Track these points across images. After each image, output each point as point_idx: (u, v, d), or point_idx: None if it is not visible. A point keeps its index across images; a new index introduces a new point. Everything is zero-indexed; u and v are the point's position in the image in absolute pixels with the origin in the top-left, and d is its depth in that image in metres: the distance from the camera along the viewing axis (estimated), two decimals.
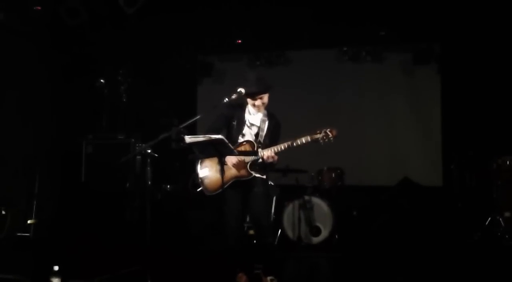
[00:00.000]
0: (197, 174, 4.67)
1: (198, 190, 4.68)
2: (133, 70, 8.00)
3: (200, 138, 4.16)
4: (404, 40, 8.19)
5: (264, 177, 4.67)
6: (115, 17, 7.64)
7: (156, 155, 4.41)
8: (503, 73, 7.51)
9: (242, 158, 4.54)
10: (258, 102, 4.56)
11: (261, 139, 4.63)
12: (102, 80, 7.75)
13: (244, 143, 4.62)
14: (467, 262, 5.79)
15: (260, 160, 4.54)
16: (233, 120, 4.65)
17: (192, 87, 9.12)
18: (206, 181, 4.59)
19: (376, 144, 8.41)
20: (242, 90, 4.46)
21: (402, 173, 7.69)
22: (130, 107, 7.91)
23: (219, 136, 4.17)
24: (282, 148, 4.47)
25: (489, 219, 6.55)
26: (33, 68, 7.45)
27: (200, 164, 4.66)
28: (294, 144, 4.45)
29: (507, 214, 6.49)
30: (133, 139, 7.35)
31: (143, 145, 5.53)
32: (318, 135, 4.48)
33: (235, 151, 4.35)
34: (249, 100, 4.59)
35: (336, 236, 6.62)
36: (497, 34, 7.45)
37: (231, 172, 4.55)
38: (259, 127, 4.66)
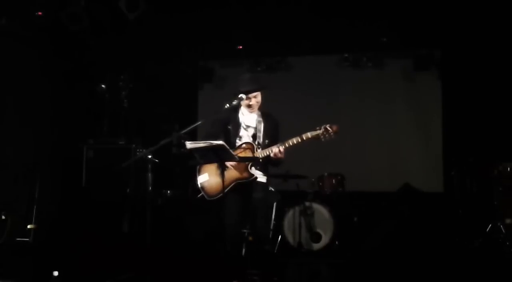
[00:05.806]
0: (196, 180, 4.66)
1: (199, 196, 4.67)
2: (134, 76, 8.01)
3: (201, 144, 4.17)
4: (405, 46, 8.20)
5: (265, 181, 4.66)
6: (116, 23, 7.66)
7: (156, 160, 4.40)
8: (503, 79, 7.51)
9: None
10: (252, 101, 4.57)
11: (259, 140, 4.61)
12: (103, 86, 7.75)
13: (244, 145, 4.61)
14: (468, 269, 5.77)
15: (261, 158, 4.51)
16: (228, 125, 4.65)
17: (193, 93, 9.12)
18: (207, 186, 4.58)
19: (377, 150, 8.40)
20: (243, 95, 4.47)
21: (403, 179, 7.67)
22: (131, 112, 7.90)
23: (220, 142, 4.17)
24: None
25: (490, 225, 6.53)
26: (34, 73, 7.45)
27: (199, 169, 4.65)
28: (295, 141, 4.44)
29: (508, 221, 6.47)
30: (134, 145, 7.34)
31: (144, 150, 5.53)
32: (318, 131, 4.47)
33: (236, 156, 4.35)
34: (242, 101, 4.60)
35: (337, 242, 6.61)
36: (498, 40, 7.46)
37: (232, 174, 4.53)
38: (255, 128, 4.65)
